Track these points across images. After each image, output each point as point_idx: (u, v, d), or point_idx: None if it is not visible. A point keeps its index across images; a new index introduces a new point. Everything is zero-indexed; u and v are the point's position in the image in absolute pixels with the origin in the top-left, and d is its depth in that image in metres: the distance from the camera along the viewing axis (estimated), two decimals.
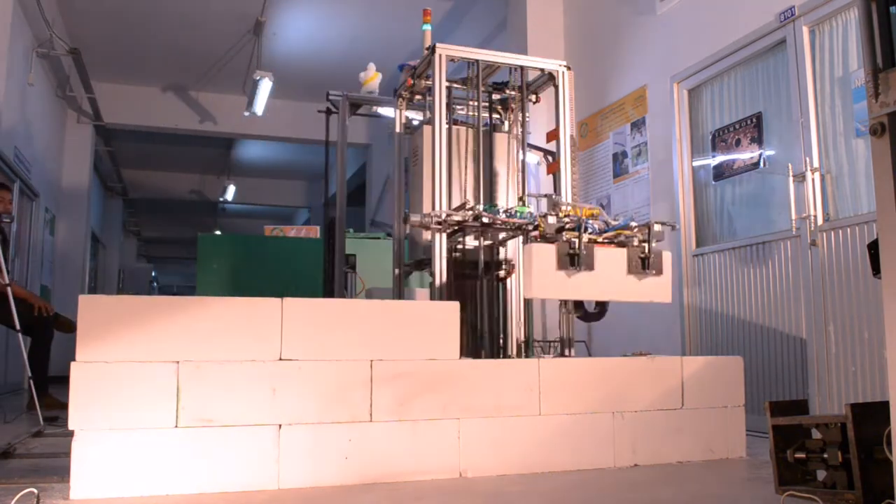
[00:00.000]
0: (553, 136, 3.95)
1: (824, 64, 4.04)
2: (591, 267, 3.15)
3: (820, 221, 3.96)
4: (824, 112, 4.03)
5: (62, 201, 9.88)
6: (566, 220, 3.22)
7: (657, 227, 3.31)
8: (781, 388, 4.16)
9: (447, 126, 3.68)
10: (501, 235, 3.68)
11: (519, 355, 3.72)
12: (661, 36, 5.36)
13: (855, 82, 3.83)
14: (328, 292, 4.80)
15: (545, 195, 4.12)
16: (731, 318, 4.58)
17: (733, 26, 4.61)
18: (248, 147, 13.37)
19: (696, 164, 5.04)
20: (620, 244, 3.29)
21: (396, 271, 4.01)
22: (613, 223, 3.31)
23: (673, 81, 5.18)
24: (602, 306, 3.62)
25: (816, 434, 2.37)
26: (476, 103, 3.77)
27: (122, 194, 15.24)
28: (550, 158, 4.55)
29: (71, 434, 2.46)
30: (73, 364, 2.48)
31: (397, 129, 4.09)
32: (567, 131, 3.84)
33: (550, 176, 4.31)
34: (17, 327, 4.59)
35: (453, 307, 2.96)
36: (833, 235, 3.86)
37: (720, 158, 4.80)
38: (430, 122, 3.66)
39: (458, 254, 3.68)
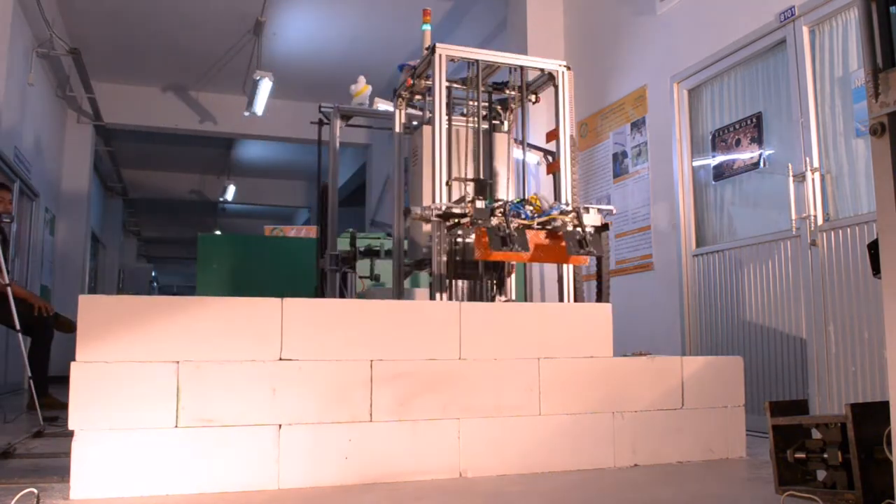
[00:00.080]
0: (553, 136, 3.95)
1: (824, 64, 4.04)
2: (525, 248, 3.24)
3: (820, 221, 3.96)
4: (824, 112, 4.03)
5: (62, 201, 9.88)
6: (496, 204, 3.30)
7: (592, 213, 3.47)
8: (781, 388, 4.16)
9: (447, 126, 3.68)
10: None
11: None
12: (661, 36, 5.36)
13: (855, 82, 3.83)
14: (320, 293, 4.81)
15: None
16: (731, 318, 4.58)
17: (733, 26, 4.61)
18: (248, 147, 13.37)
19: (696, 164, 5.04)
20: (554, 229, 3.36)
21: (396, 271, 4.01)
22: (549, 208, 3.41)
23: (673, 81, 5.18)
24: (600, 290, 3.65)
25: (816, 434, 2.37)
26: (476, 103, 3.77)
27: (122, 194, 15.25)
28: (550, 158, 4.56)
29: (71, 434, 2.46)
30: (73, 364, 2.48)
31: (397, 129, 4.09)
32: (567, 131, 3.84)
33: (551, 176, 4.31)
34: (17, 327, 4.59)
35: (453, 307, 2.96)
36: (833, 235, 3.86)
37: (720, 158, 4.80)
38: (430, 122, 3.67)
39: (457, 256, 3.69)
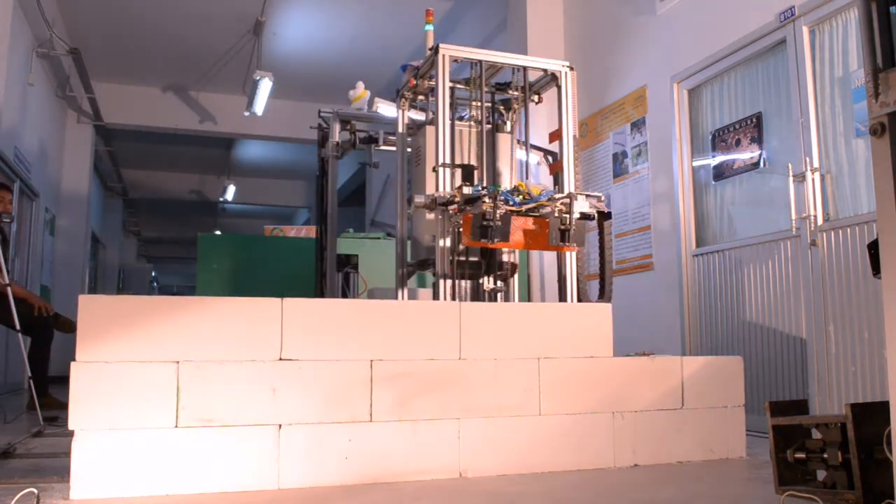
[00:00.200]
0: (556, 136, 3.95)
1: (824, 64, 4.04)
2: (506, 238, 3.18)
3: (820, 221, 3.96)
4: (824, 112, 4.03)
5: (62, 201, 9.88)
6: (482, 190, 3.24)
7: (581, 199, 3.37)
8: (781, 388, 4.16)
9: (450, 126, 3.68)
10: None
11: None
12: (661, 36, 5.36)
13: (855, 82, 3.83)
14: (319, 293, 4.81)
15: None
16: (731, 318, 4.58)
17: (733, 26, 4.61)
18: (248, 147, 13.37)
19: (696, 164, 5.04)
20: (543, 216, 3.32)
21: (399, 271, 4.00)
22: (537, 194, 3.34)
23: (673, 81, 5.18)
24: (603, 289, 3.64)
25: (816, 434, 2.37)
26: (479, 104, 3.76)
27: (122, 194, 15.25)
28: (551, 159, 4.56)
29: (71, 434, 2.46)
30: (73, 364, 2.48)
31: (400, 130, 4.08)
32: (570, 131, 3.84)
33: (552, 176, 4.31)
34: (17, 327, 4.59)
35: (453, 307, 2.96)
36: (833, 235, 3.86)
37: (720, 158, 4.80)
38: (433, 122, 3.67)
39: (461, 256, 3.69)
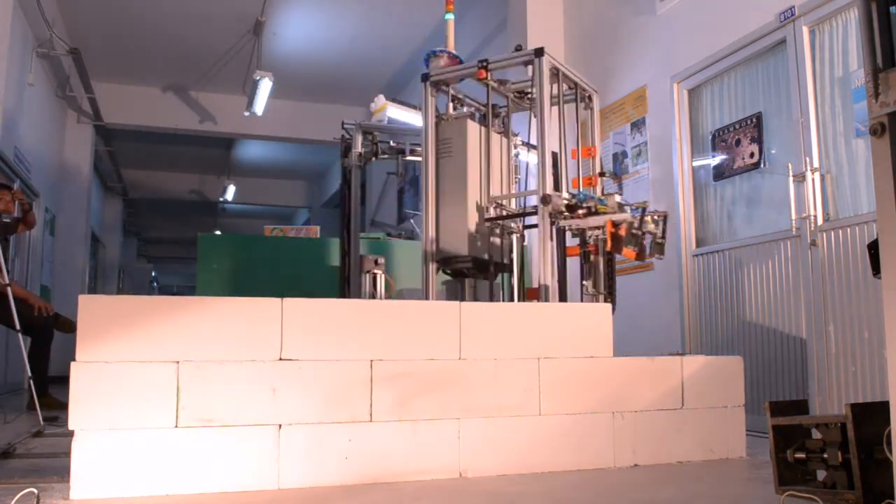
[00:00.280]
0: (588, 152, 4.12)
1: (824, 64, 4.04)
2: (661, 252, 3.63)
3: (820, 221, 3.96)
4: (824, 112, 4.03)
5: (62, 201, 9.88)
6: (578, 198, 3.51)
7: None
8: (781, 388, 4.16)
9: (485, 131, 3.82)
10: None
11: None
12: (661, 36, 5.35)
13: (855, 82, 3.83)
14: (344, 295, 4.87)
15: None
16: (731, 318, 4.58)
17: (733, 26, 4.61)
18: (248, 147, 13.37)
19: (696, 164, 5.04)
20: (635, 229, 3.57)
21: (427, 268, 3.95)
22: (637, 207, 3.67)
23: (673, 81, 5.18)
24: (611, 297, 3.67)
25: (816, 434, 2.37)
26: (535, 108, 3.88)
27: (122, 194, 15.25)
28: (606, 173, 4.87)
29: (71, 434, 2.46)
30: (73, 364, 2.48)
31: (428, 120, 4.01)
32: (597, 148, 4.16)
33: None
34: (17, 327, 4.59)
35: (453, 307, 2.96)
36: (833, 235, 3.86)
37: (720, 158, 4.80)
38: (472, 115, 3.93)
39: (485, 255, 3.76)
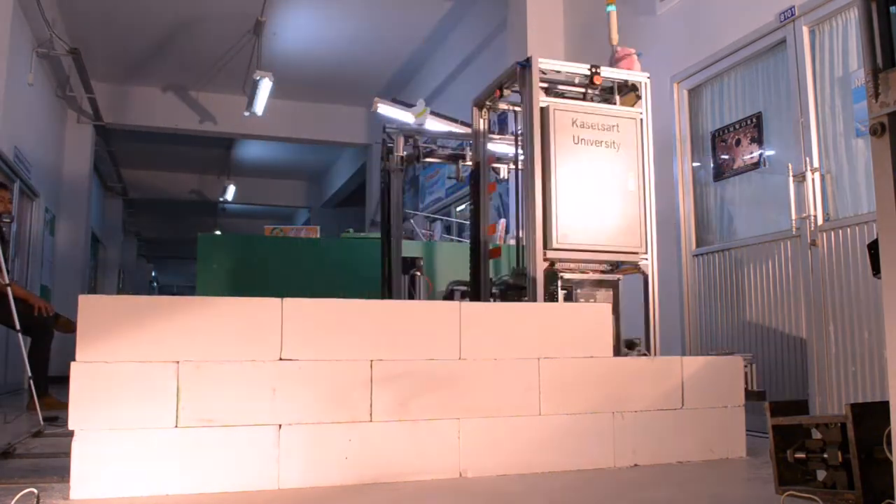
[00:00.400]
0: None
1: (824, 64, 4.04)
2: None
3: (820, 221, 3.96)
4: (824, 112, 4.03)
5: (62, 201, 9.88)
6: None
7: None
8: (781, 388, 4.16)
9: None
10: None
11: None
12: (661, 36, 5.35)
13: (855, 82, 3.83)
14: (386, 295, 4.92)
15: None
16: (731, 318, 4.58)
17: (733, 26, 4.61)
18: (248, 147, 13.37)
19: (696, 164, 5.04)
20: None
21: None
22: None
23: (673, 81, 5.18)
24: None
25: (816, 434, 2.37)
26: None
27: (122, 194, 15.24)
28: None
29: (71, 434, 2.46)
30: (73, 364, 2.48)
31: (479, 139, 4.11)
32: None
33: None
34: (17, 327, 4.59)
35: (453, 307, 2.96)
36: (833, 235, 3.86)
37: (720, 158, 4.80)
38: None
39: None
